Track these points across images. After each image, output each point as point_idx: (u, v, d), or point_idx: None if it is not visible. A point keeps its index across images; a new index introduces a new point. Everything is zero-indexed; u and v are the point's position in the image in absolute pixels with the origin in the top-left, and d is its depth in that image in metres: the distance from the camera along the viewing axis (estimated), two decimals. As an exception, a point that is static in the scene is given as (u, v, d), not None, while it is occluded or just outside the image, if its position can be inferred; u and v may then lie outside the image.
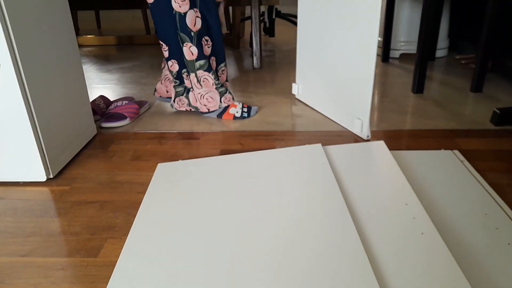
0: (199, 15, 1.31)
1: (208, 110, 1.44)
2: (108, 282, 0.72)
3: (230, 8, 2.53)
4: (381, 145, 1.14)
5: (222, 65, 1.47)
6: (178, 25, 1.31)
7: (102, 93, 1.75)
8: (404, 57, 2.12)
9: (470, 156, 1.13)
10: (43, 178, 1.07)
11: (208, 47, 1.38)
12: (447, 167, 1.06)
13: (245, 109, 1.45)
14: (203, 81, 1.39)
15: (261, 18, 2.52)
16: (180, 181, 1.01)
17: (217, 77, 1.42)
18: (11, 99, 0.98)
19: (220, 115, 1.46)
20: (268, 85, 1.78)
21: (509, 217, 0.86)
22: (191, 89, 1.43)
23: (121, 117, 1.41)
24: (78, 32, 2.97)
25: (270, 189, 0.96)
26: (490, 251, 0.77)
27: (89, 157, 1.20)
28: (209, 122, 1.42)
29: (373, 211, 0.87)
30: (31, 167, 1.05)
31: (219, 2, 1.44)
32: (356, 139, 1.25)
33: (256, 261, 0.74)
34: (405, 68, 1.95)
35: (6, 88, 0.97)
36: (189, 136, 1.31)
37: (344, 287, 0.67)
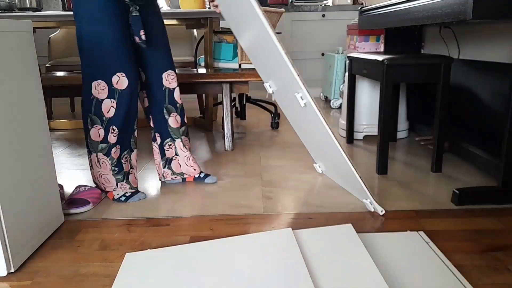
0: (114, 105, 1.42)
1: (104, 189, 1.50)
2: None
3: (204, 94, 2.65)
4: (349, 228, 1.16)
5: (125, 152, 1.50)
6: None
7: (73, 177, 1.74)
8: (367, 138, 2.24)
9: (434, 236, 1.17)
10: (3, 272, 1.02)
11: (114, 136, 1.44)
12: (413, 249, 1.08)
13: (128, 194, 1.48)
14: (102, 163, 1.46)
15: (233, 104, 2.65)
16: (148, 274, 0.99)
17: (117, 163, 1.47)
18: (-23, 191, 0.96)
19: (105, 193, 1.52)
20: (240, 167, 1.82)
21: (476, 300, 0.88)
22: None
23: (84, 202, 1.40)
24: (51, 116, 3.00)
25: (240, 280, 0.94)
26: (460, 338, 0.77)
27: (54, 248, 1.16)
28: (182, 204, 1.42)
29: (344, 298, 0.87)
30: (-9, 261, 1.01)
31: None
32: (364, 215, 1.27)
33: None
34: (369, 149, 2.06)
35: (-28, 180, 0.96)
36: (157, 223, 1.30)
37: None
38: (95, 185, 1.52)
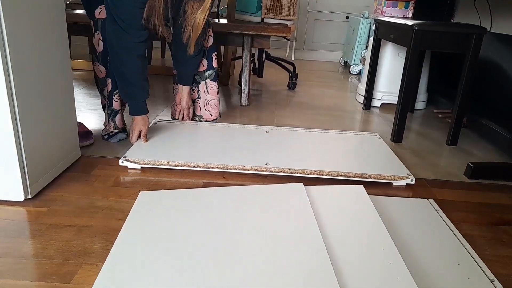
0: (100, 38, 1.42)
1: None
2: (79, 309, 0.71)
3: (222, 47, 2.61)
4: (360, 188, 1.17)
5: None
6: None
7: (89, 117, 1.75)
8: (384, 106, 2.21)
9: (444, 206, 1.17)
10: (21, 198, 1.05)
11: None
12: (423, 216, 1.09)
13: (112, 133, 1.49)
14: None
15: (251, 59, 2.61)
16: (161, 211, 1.01)
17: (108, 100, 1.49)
18: (-1, 115, 0.97)
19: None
20: (253, 123, 1.81)
21: (481, 268, 0.89)
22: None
23: (88, 134, 1.46)
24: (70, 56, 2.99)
25: (250, 225, 0.96)
26: (462, 300, 0.79)
27: (71, 180, 1.19)
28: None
29: (351, 253, 0.89)
30: (10, 186, 1.04)
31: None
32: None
33: (233, 296, 0.74)
34: (385, 117, 2.03)
35: (-5, 104, 0.97)
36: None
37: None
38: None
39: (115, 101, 1.48)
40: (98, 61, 1.46)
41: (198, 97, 1.67)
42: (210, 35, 1.62)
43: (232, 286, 0.77)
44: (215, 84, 1.66)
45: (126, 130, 1.54)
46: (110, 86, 1.46)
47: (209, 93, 1.65)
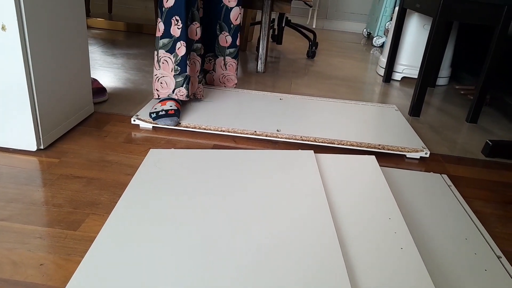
0: None
1: (158, 96, 1.35)
2: (84, 256, 0.72)
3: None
4: (371, 159, 1.15)
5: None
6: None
7: (105, 75, 1.75)
8: (405, 80, 2.14)
9: (457, 182, 1.15)
10: (33, 147, 1.07)
11: (178, 28, 1.29)
12: (434, 189, 1.07)
13: (162, 113, 1.26)
14: (163, 63, 1.33)
15: (271, 25, 2.55)
16: (170, 169, 1.02)
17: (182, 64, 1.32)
18: (12, 63, 0.98)
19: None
20: (268, 90, 1.79)
21: (489, 244, 0.87)
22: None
23: (103, 91, 1.46)
24: (88, 14, 2.97)
25: (258, 189, 0.96)
26: (467, 274, 0.78)
27: (83, 134, 1.20)
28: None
29: (357, 221, 0.88)
30: (23, 135, 1.05)
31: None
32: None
33: (232, 258, 0.75)
34: (405, 91, 1.98)
35: (9, 52, 0.97)
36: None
37: (318, 288, 0.68)
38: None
39: (189, 66, 1.34)
40: (161, 18, 1.31)
41: (213, 70, 1.63)
42: (240, 13, 1.57)
43: (234, 249, 0.77)
44: (235, 61, 1.63)
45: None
46: (183, 50, 1.31)
47: (227, 69, 1.63)
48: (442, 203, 1.01)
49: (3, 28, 0.94)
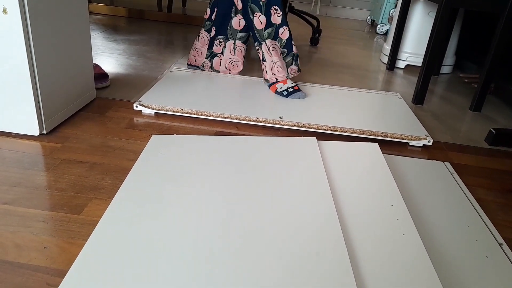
0: None
1: (276, 80, 1.48)
2: (87, 240, 0.72)
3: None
4: (374, 147, 1.15)
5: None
6: None
7: (107, 61, 1.74)
8: (408, 68, 2.13)
9: (460, 170, 1.15)
10: (36, 132, 1.07)
11: (278, 16, 1.45)
12: (436, 177, 1.07)
13: (290, 89, 1.45)
14: (273, 50, 1.47)
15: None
16: (172, 155, 1.02)
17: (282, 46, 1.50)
18: (14, 48, 0.97)
19: (270, 84, 1.50)
20: (271, 76, 1.77)
21: (491, 231, 0.87)
22: (263, 60, 1.52)
23: (105, 76, 1.45)
24: (89, -1, 2.95)
25: (260, 174, 0.96)
26: (468, 261, 0.78)
27: (85, 119, 1.20)
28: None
29: (359, 207, 0.88)
30: (25, 120, 1.05)
31: None
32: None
33: (233, 244, 0.75)
34: (408, 79, 1.96)
35: (10, 35, 0.96)
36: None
37: (321, 279, 0.68)
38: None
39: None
40: (261, 12, 1.45)
41: (222, 53, 1.62)
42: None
43: (235, 235, 0.78)
44: (244, 47, 1.61)
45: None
46: (287, 34, 1.48)
47: (235, 54, 1.61)
48: (444, 191, 1.01)
49: (5, 11, 0.94)
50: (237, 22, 1.56)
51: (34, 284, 0.65)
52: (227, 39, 1.60)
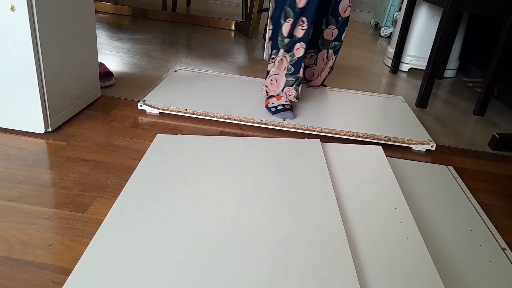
0: None
1: (267, 92, 1.37)
2: (92, 238, 0.73)
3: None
4: (378, 150, 1.15)
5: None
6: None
7: (111, 60, 1.74)
8: (412, 71, 2.13)
9: (463, 174, 1.15)
10: (41, 130, 1.07)
11: (302, 29, 1.27)
12: (440, 181, 1.07)
13: (280, 107, 1.30)
14: (278, 62, 1.32)
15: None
16: (176, 155, 1.02)
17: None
18: (21, 46, 0.97)
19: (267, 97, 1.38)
20: (275, 78, 1.78)
21: (494, 236, 0.87)
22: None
23: (110, 75, 1.46)
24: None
25: (263, 175, 0.96)
26: (471, 265, 0.78)
27: (90, 118, 1.20)
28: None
29: (363, 210, 0.88)
30: (31, 118, 1.05)
31: None
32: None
33: (236, 244, 0.75)
34: (412, 82, 1.97)
35: (17, 33, 0.96)
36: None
37: (325, 281, 0.68)
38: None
39: (302, 68, 1.33)
40: (292, 17, 1.28)
41: (314, 64, 1.54)
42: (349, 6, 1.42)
43: (238, 235, 0.78)
44: (335, 56, 1.52)
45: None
46: (301, 51, 1.30)
47: (325, 63, 1.52)
48: (448, 195, 1.01)
49: (12, 8, 0.94)
50: (330, 33, 1.46)
51: (40, 281, 0.65)
52: (319, 50, 1.50)
